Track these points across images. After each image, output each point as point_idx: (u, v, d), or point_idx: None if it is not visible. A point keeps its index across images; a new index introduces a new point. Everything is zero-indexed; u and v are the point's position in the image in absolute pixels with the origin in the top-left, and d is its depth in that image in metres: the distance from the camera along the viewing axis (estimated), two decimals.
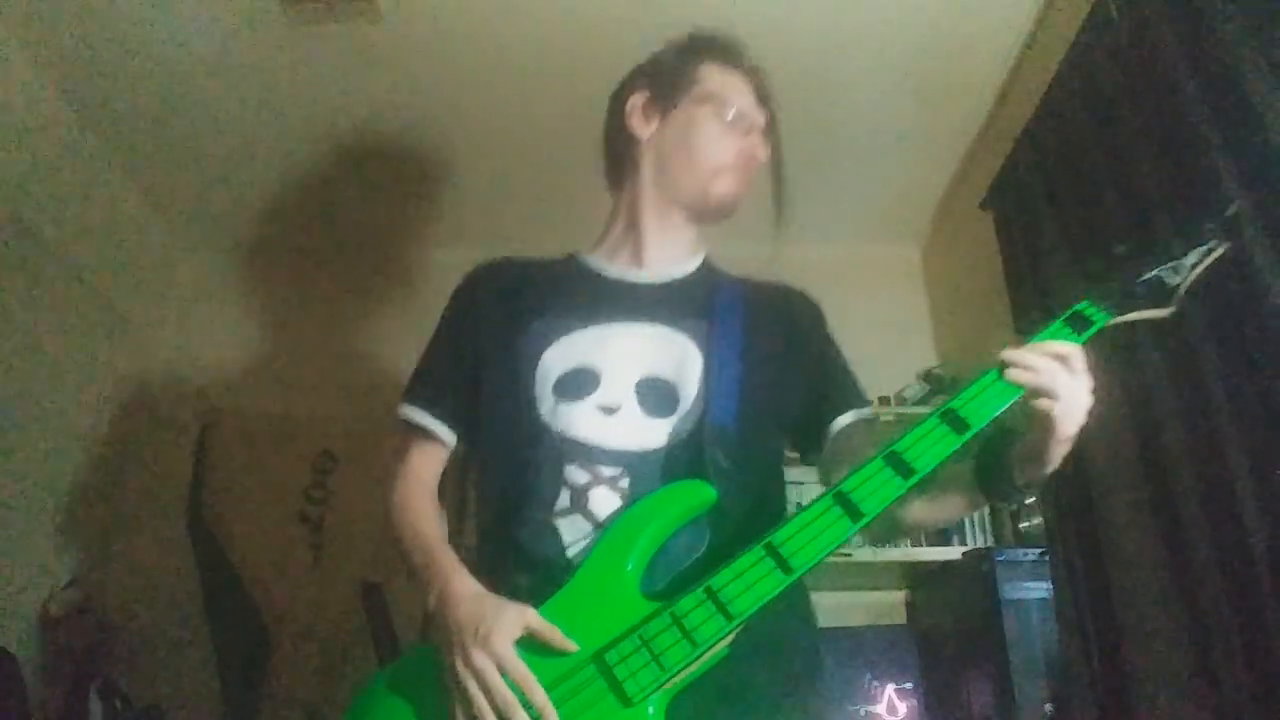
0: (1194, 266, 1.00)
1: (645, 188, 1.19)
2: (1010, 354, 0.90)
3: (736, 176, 1.18)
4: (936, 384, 2.82)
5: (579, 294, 1.14)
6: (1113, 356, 1.90)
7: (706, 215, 1.21)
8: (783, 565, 0.86)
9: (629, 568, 0.91)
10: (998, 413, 0.91)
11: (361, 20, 2.29)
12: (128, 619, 2.62)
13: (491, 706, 0.83)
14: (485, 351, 1.12)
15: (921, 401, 2.77)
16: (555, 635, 0.87)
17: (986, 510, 2.57)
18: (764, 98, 1.24)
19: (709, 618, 0.85)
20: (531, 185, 2.97)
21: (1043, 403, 0.88)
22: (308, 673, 2.68)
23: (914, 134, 2.78)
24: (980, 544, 2.53)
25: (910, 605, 2.76)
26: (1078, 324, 0.95)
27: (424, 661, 0.93)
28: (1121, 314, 0.98)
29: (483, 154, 2.83)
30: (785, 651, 0.99)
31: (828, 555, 0.88)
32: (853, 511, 0.88)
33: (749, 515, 0.96)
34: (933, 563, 2.52)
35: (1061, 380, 0.87)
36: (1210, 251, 1.01)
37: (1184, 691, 1.60)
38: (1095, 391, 0.90)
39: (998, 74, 2.52)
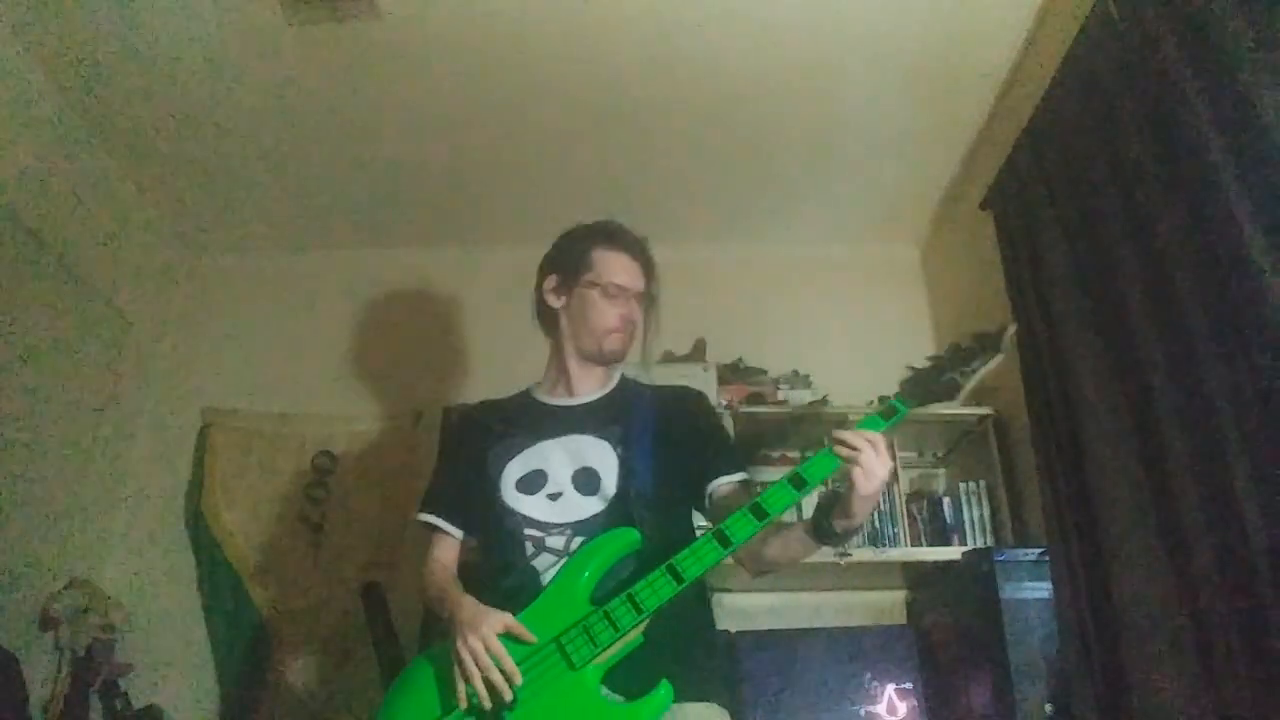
0: (975, 371, 1.36)
1: (565, 341, 1.67)
2: (838, 434, 1.32)
3: (621, 335, 1.64)
4: None
5: (529, 420, 1.62)
6: (1114, 356, 1.90)
7: (605, 362, 1.66)
8: (677, 577, 1.32)
9: (583, 582, 1.38)
10: (826, 475, 1.34)
11: (361, 20, 2.29)
12: (127, 619, 2.62)
13: (477, 670, 1.29)
14: (470, 468, 1.61)
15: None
16: (522, 630, 1.34)
17: (987, 511, 2.59)
18: (645, 267, 1.67)
19: (627, 612, 1.31)
20: (529, 184, 2.97)
21: (853, 470, 1.29)
22: (308, 672, 2.68)
23: (914, 134, 2.78)
24: (980, 544, 2.53)
25: (910, 605, 2.77)
26: (887, 412, 1.35)
27: (443, 652, 1.40)
28: (921, 404, 1.37)
29: (481, 153, 2.84)
30: (684, 644, 1.42)
31: (706, 570, 1.33)
32: (724, 541, 1.33)
33: (663, 549, 1.38)
34: (933, 563, 2.52)
35: (867, 457, 1.27)
36: (988, 361, 1.36)
37: (1184, 691, 1.60)
38: (891, 467, 1.32)
39: (998, 74, 2.52)
